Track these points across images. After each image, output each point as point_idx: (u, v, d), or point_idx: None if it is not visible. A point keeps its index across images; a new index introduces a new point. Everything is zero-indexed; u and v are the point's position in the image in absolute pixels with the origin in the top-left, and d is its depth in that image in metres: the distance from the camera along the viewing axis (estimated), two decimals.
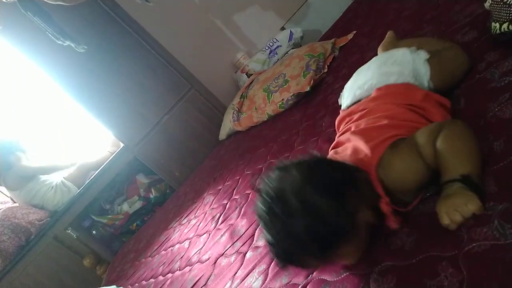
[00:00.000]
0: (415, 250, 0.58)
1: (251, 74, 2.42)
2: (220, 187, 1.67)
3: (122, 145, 2.35)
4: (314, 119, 1.41)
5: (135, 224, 2.45)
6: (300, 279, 0.75)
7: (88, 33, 2.08)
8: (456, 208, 0.53)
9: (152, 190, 2.48)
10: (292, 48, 2.30)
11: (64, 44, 1.66)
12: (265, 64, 2.44)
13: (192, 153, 2.39)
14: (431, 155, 0.61)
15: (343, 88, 1.41)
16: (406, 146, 0.65)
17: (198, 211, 1.70)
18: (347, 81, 1.41)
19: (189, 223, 1.67)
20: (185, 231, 1.62)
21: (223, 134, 2.25)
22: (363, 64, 1.32)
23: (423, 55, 0.83)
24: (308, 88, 1.61)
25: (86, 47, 1.65)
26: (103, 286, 1.90)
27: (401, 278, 0.56)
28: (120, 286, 1.57)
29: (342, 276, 0.67)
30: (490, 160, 0.59)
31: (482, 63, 0.80)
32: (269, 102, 1.82)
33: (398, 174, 0.63)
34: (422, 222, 0.62)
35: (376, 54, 1.24)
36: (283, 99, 1.74)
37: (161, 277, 1.42)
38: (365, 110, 0.81)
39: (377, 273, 0.61)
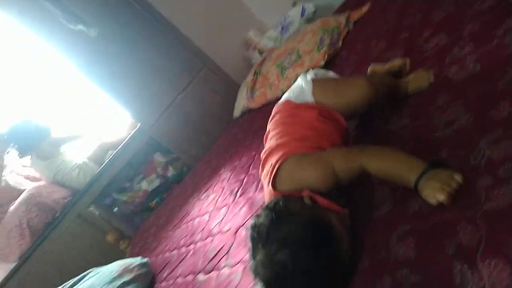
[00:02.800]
0: (433, 213, 0.61)
1: (263, 52, 2.42)
2: (236, 163, 1.71)
3: (138, 125, 2.41)
4: None
5: (154, 201, 2.53)
6: None
7: (102, 16, 2.10)
8: (442, 185, 0.58)
9: (170, 168, 2.54)
10: (305, 24, 2.29)
11: (76, 29, 1.68)
12: (277, 41, 2.43)
13: (207, 131, 2.43)
14: (349, 175, 0.74)
15: (358, 62, 1.42)
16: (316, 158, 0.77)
17: (216, 187, 1.75)
18: (363, 55, 1.42)
19: (207, 198, 1.73)
20: (204, 205, 1.68)
21: (237, 112, 2.27)
22: (378, 37, 1.32)
23: (309, 75, 0.99)
24: (322, 63, 1.61)
25: (97, 31, 1.67)
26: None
27: (420, 240, 0.59)
28: (145, 257, 1.64)
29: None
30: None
31: (500, 29, 0.80)
32: (282, 78, 1.83)
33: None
34: None
35: (392, 25, 1.24)
36: (297, 75, 1.75)
37: (183, 248, 1.49)
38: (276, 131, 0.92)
39: (396, 237, 0.64)
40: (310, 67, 1.67)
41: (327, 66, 1.63)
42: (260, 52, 2.45)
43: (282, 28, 2.43)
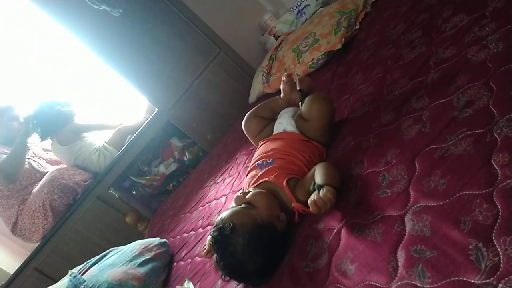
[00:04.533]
0: (449, 190, 0.61)
1: (279, 36, 2.40)
2: (252, 148, 1.73)
3: (156, 110, 2.44)
4: (345, 78, 1.42)
5: (171, 185, 2.58)
6: (334, 223, 0.80)
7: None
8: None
9: (186, 153, 2.58)
10: (321, 7, 2.25)
11: (100, 8, 1.71)
12: (293, 25, 2.41)
13: (223, 116, 2.45)
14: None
15: (376, 45, 1.40)
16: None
17: (232, 171, 1.78)
18: (381, 37, 1.40)
19: (224, 181, 1.76)
20: (221, 188, 1.71)
21: (253, 97, 2.28)
22: (397, 19, 1.30)
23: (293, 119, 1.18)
24: (339, 46, 1.60)
25: (121, 11, 1.69)
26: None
27: (436, 216, 0.59)
28: (163, 238, 1.69)
29: (376, 218, 0.71)
30: None
31: None
32: (298, 63, 1.82)
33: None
34: (454, 165, 0.65)
35: (411, 6, 1.22)
36: (313, 59, 1.74)
37: (201, 229, 1.52)
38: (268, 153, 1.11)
39: (412, 214, 0.65)
40: (327, 50, 1.66)
41: (344, 49, 1.62)
42: (276, 37, 2.43)
43: (298, 11, 2.40)
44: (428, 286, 0.51)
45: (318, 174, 0.87)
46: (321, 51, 1.69)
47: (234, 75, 2.43)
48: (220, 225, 0.88)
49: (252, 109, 1.34)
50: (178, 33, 2.30)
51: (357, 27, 1.66)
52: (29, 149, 2.44)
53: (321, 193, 0.79)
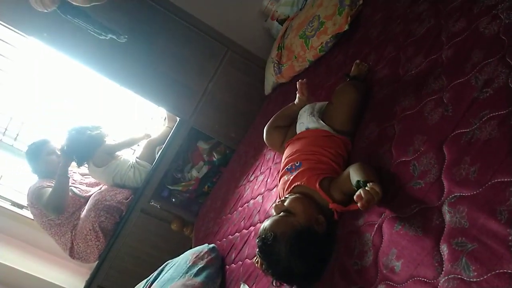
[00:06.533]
0: (480, 178, 0.62)
1: (282, 19, 2.38)
2: None
3: (178, 119, 2.51)
4: (358, 58, 1.41)
5: (206, 186, 2.67)
6: (374, 218, 0.83)
7: (122, 20, 2.16)
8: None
9: (214, 153, 2.65)
10: None
11: (107, 38, 1.76)
12: (294, 5, 2.37)
13: (242, 113, 2.48)
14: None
15: (383, 19, 1.38)
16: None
17: (262, 167, 1.82)
18: (387, 12, 1.38)
19: (256, 179, 1.81)
20: (255, 187, 1.76)
21: (268, 88, 2.29)
22: None
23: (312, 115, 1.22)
24: (346, 27, 1.57)
25: (127, 37, 1.74)
26: (194, 245, 2.15)
27: (471, 207, 0.61)
28: (211, 243, 1.77)
29: (414, 211, 0.73)
30: None
31: None
32: (308, 48, 1.81)
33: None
34: (482, 151, 0.66)
35: None
36: (322, 43, 1.73)
37: (244, 231, 1.59)
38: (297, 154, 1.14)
39: (448, 205, 0.67)
40: (334, 32, 1.64)
41: (352, 27, 1.59)
42: (279, 21, 2.41)
43: None
44: (475, 279, 0.54)
45: (356, 172, 0.87)
46: (328, 34, 1.67)
47: (246, 70, 2.44)
48: (263, 236, 0.94)
49: (269, 122, 1.36)
50: (184, 40, 2.32)
51: (361, 2, 1.62)
52: (69, 177, 2.56)
53: (367, 188, 0.79)
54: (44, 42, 2.19)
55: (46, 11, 1.55)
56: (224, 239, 1.77)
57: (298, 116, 1.27)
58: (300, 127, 1.23)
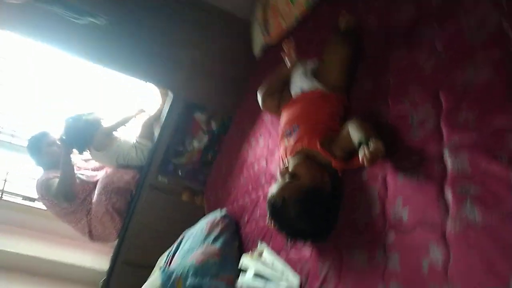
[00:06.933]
0: (479, 124, 0.64)
1: None
2: None
3: (170, 94, 2.49)
4: (346, 10, 1.37)
5: (210, 155, 2.70)
6: (377, 171, 0.86)
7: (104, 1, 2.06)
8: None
9: (212, 122, 2.66)
10: None
11: (86, 22, 1.71)
12: None
13: (233, 79, 2.45)
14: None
15: None
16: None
17: (262, 130, 1.84)
18: None
19: (258, 143, 1.83)
20: (258, 151, 1.79)
21: (257, 50, 2.25)
22: None
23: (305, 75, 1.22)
24: None
25: (106, 17, 1.68)
26: (206, 212, 2.22)
27: (473, 152, 0.64)
28: (223, 208, 1.84)
29: (416, 159, 0.76)
30: None
31: None
32: (293, 4, 1.77)
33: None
34: (479, 96, 0.67)
35: None
36: None
37: (253, 193, 1.64)
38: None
39: (449, 151, 0.69)
40: None
41: None
42: None
43: None
44: (481, 220, 0.58)
45: (355, 131, 0.89)
46: None
47: (231, 35, 2.38)
48: (272, 201, 0.98)
49: (263, 88, 1.36)
50: (168, 14, 2.25)
51: None
52: (74, 164, 2.59)
53: (370, 146, 0.81)
54: (22, 35, 2.11)
55: (19, 2, 1.50)
56: (235, 203, 1.83)
57: (291, 77, 1.27)
58: (294, 89, 1.24)
